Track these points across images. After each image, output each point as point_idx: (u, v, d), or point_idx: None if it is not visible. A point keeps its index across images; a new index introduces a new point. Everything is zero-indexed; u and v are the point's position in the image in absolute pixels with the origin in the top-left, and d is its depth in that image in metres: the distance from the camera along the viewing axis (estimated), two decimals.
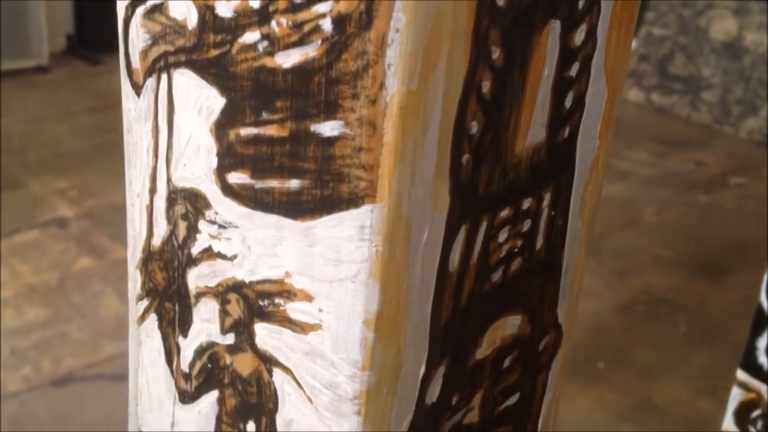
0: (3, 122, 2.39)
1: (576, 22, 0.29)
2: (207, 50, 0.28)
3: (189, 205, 0.31)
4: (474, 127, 0.27)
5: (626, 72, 0.34)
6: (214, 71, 0.28)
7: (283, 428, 0.31)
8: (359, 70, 0.25)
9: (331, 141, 0.26)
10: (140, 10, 0.30)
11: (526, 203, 0.31)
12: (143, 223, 0.33)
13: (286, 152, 0.27)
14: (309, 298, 0.28)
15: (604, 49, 0.31)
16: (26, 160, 2.24)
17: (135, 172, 0.32)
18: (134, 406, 0.36)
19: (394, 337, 0.28)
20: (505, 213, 0.30)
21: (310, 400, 0.29)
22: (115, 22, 0.31)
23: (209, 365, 0.32)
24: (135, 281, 0.34)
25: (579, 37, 0.29)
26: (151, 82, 0.30)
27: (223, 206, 0.30)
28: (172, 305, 0.33)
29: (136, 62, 0.31)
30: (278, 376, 0.30)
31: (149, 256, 0.33)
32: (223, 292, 0.31)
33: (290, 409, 0.30)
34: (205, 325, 0.32)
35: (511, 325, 0.33)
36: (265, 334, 0.30)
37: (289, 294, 0.29)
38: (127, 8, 0.30)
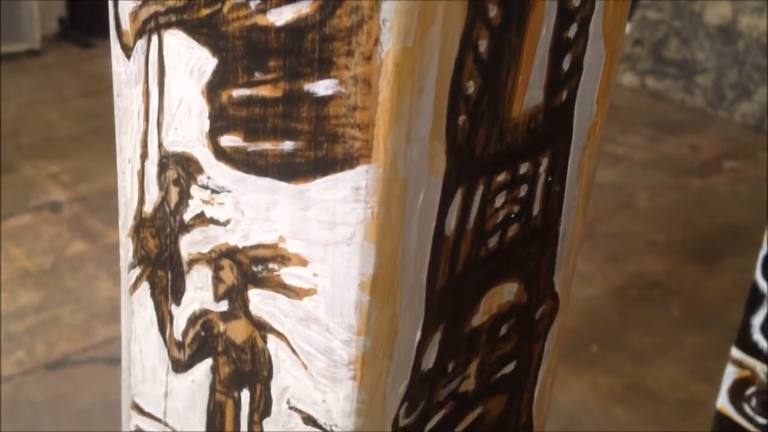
0: None
1: None
2: (198, 9, 0.27)
3: (181, 170, 0.30)
4: (471, 87, 0.26)
5: (624, 38, 0.33)
6: (206, 31, 0.27)
7: (278, 395, 0.30)
8: (353, 27, 0.24)
9: (325, 100, 0.26)
10: None
11: (523, 168, 0.30)
12: (134, 189, 0.32)
13: (280, 113, 0.27)
14: (303, 262, 0.28)
15: (602, 11, 0.30)
16: (19, 144, 2.23)
17: (125, 138, 0.32)
18: (127, 376, 0.36)
19: (390, 301, 0.28)
20: (501, 177, 0.30)
21: (305, 367, 0.29)
22: (106, 5, 0.31)
23: (203, 333, 0.32)
24: (127, 249, 0.34)
25: None
26: (141, 43, 0.30)
27: (215, 170, 0.29)
28: (164, 273, 0.33)
29: (126, 24, 0.30)
30: (272, 343, 0.30)
31: (141, 223, 0.33)
32: (216, 259, 0.31)
33: (285, 375, 0.30)
34: (199, 293, 0.32)
35: (507, 292, 0.33)
36: (259, 301, 0.30)
37: (283, 259, 0.29)
38: None
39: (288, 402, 0.30)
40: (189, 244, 0.31)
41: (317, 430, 0.29)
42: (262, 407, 0.31)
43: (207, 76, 0.28)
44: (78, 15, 2.88)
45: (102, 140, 2.19)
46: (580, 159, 0.33)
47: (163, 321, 0.33)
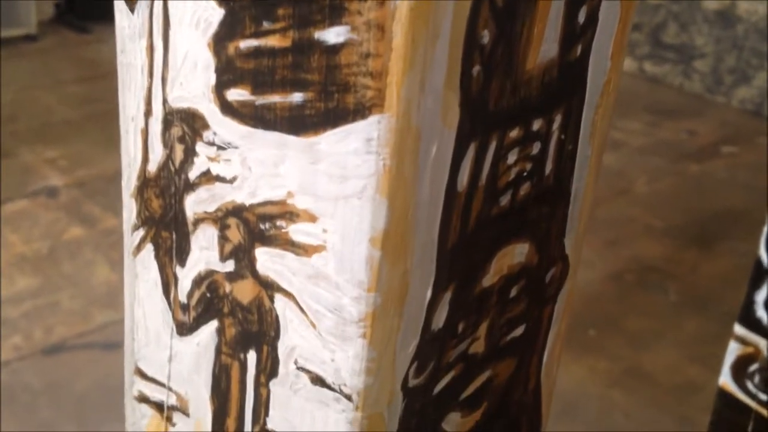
0: None
1: None
2: None
3: (186, 127, 0.30)
4: (485, 37, 0.26)
5: None
6: None
7: (285, 356, 0.30)
8: None
9: (336, 48, 0.25)
10: None
11: (536, 124, 0.30)
12: (138, 148, 0.32)
13: (289, 64, 0.26)
14: (312, 218, 0.27)
15: None
16: (16, 130, 2.22)
17: (129, 95, 0.31)
18: (130, 341, 0.35)
19: (401, 257, 0.27)
20: (514, 133, 0.29)
21: (314, 325, 0.29)
22: None
23: (208, 294, 0.31)
24: (130, 211, 0.33)
25: None
26: None
27: (222, 126, 0.29)
28: (169, 234, 0.32)
29: None
30: (280, 302, 0.29)
31: (144, 183, 0.32)
32: (222, 217, 0.30)
33: (292, 335, 0.29)
34: (204, 253, 0.31)
35: (518, 253, 0.32)
36: (266, 259, 0.29)
37: (292, 215, 0.28)
38: None
39: (296, 362, 0.29)
40: (194, 203, 0.31)
41: (325, 389, 0.29)
42: (269, 368, 0.30)
43: (213, 27, 0.27)
44: (74, 0, 2.86)
45: (99, 125, 2.18)
46: (594, 117, 0.32)
47: (168, 283, 0.33)
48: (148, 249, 0.33)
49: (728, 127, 2.51)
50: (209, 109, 0.29)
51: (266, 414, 0.31)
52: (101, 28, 2.73)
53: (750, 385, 0.72)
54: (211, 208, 0.30)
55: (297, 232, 0.28)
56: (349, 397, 0.28)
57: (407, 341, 0.29)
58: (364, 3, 0.24)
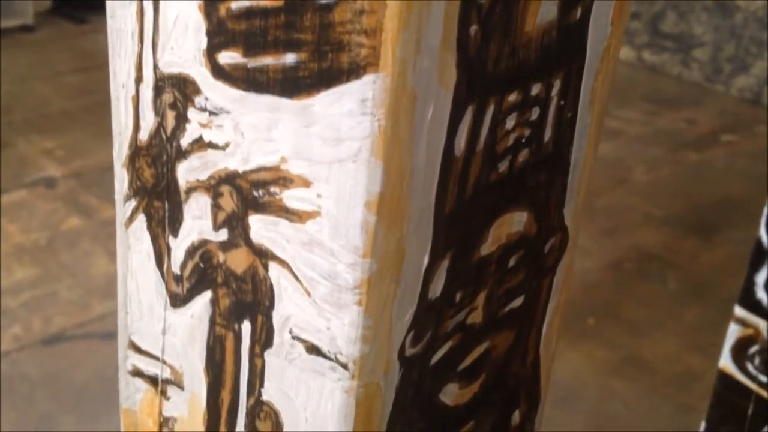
0: None
1: None
2: None
3: (177, 93, 0.29)
4: None
5: None
6: None
7: (280, 325, 0.29)
8: None
9: (329, 6, 0.24)
10: None
11: (535, 89, 0.29)
12: (129, 116, 0.31)
13: (281, 24, 0.26)
14: (306, 183, 0.27)
15: None
16: (13, 120, 2.21)
17: (119, 61, 0.31)
18: (123, 315, 0.34)
19: (397, 222, 0.26)
20: (513, 97, 0.28)
21: (308, 293, 0.28)
22: None
23: (201, 265, 0.31)
24: (122, 181, 0.32)
25: None
26: None
27: (213, 90, 0.28)
28: (161, 204, 0.31)
29: None
30: (274, 271, 0.29)
31: (136, 152, 0.31)
32: (215, 185, 0.29)
33: (287, 304, 0.29)
34: (197, 222, 0.30)
35: (517, 221, 0.31)
36: (260, 227, 0.29)
37: (285, 181, 0.27)
38: None
39: (290, 331, 0.29)
40: (187, 172, 0.30)
41: (321, 358, 0.28)
42: (263, 338, 0.30)
43: None
44: None
45: (96, 116, 2.17)
46: (593, 84, 0.32)
47: (161, 254, 0.32)
48: (141, 219, 0.32)
49: (727, 116, 2.51)
50: (200, 74, 0.28)
51: (261, 385, 0.31)
52: (98, 19, 2.72)
53: (750, 367, 0.72)
54: (204, 176, 0.30)
55: (291, 198, 0.28)
56: (345, 366, 0.28)
57: (404, 309, 0.28)
58: None
